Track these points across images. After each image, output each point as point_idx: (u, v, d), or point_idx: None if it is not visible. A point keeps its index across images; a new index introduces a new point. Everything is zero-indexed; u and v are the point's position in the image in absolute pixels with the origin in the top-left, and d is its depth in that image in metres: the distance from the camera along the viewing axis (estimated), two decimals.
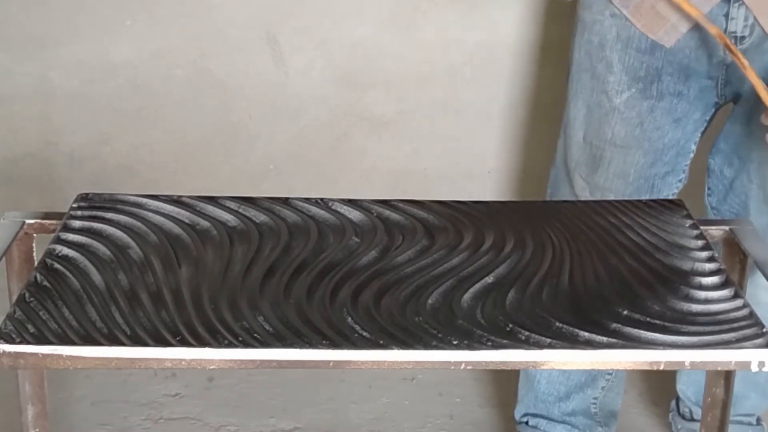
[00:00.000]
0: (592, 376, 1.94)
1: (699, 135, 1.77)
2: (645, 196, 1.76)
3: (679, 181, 1.80)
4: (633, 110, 1.72)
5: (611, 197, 1.75)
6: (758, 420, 2.02)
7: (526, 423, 2.00)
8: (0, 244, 1.30)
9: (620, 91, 1.72)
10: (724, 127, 1.78)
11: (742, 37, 1.63)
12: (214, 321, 1.13)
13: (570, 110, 1.81)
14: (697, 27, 1.63)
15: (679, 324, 1.15)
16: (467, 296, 1.19)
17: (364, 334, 1.11)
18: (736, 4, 1.61)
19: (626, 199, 1.71)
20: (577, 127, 1.79)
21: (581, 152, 1.80)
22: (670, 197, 1.79)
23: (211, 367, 1.09)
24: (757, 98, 1.56)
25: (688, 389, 2.03)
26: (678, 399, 2.08)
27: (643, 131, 1.73)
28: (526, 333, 1.12)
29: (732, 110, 1.76)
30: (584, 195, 1.79)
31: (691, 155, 1.79)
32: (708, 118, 1.76)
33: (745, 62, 1.55)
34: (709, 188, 1.84)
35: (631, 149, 1.75)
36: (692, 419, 2.04)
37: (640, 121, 1.72)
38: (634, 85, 1.70)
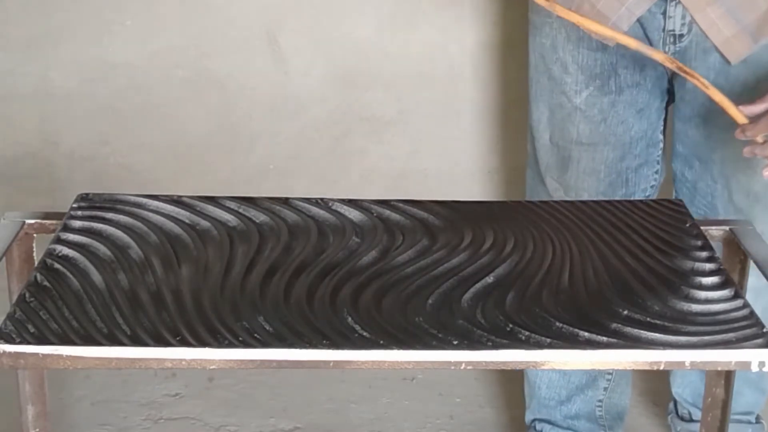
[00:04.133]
0: (592, 377, 1.94)
1: (662, 124, 1.77)
2: (620, 191, 1.77)
3: (656, 172, 1.80)
4: (594, 108, 1.72)
5: (585, 195, 1.76)
6: (757, 418, 2.02)
7: (534, 428, 2.00)
8: (0, 244, 1.30)
9: (579, 91, 1.72)
10: (675, 128, 1.78)
11: (681, 35, 1.63)
12: (214, 321, 1.13)
13: (533, 113, 1.82)
14: (638, 20, 1.63)
15: (679, 324, 1.15)
16: (467, 296, 1.19)
17: (364, 334, 1.11)
18: (673, 2, 1.61)
19: (605, 198, 1.72)
20: (542, 130, 1.80)
21: (549, 154, 1.81)
22: (648, 189, 1.79)
23: (211, 367, 1.09)
24: (710, 98, 1.55)
25: (684, 391, 2.03)
26: (675, 401, 2.08)
27: (608, 127, 1.73)
28: (526, 333, 1.12)
29: (678, 109, 1.75)
30: (558, 196, 1.80)
31: (661, 145, 1.79)
32: (665, 106, 1.76)
33: (705, 81, 1.52)
34: (675, 191, 1.84)
35: (598, 146, 1.75)
36: (691, 420, 2.03)
37: (603, 118, 1.73)
38: (592, 83, 1.70)
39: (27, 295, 1.16)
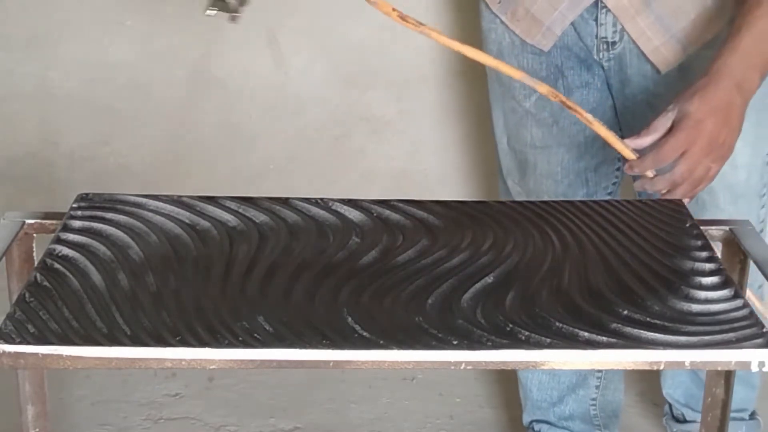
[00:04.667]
0: (582, 376, 1.93)
1: (617, 120, 1.76)
2: (581, 191, 1.77)
3: (617, 169, 1.79)
4: (545, 110, 1.73)
5: (545, 198, 1.76)
6: (752, 414, 2.02)
7: (533, 428, 2.00)
8: (0, 244, 1.30)
9: (527, 95, 1.73)
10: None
11: (614, 42, 1.64)
12: (214, 321, 1.12)
13: (492, 118, 1.83)
14: (572, 23, 1.64)
15: (679, 324, 1.15)
16: (467, 296, 1.19)
17: (364, 334, 1.11)
18: (604, 10, 1.61)
19: (565, 198, 1.72)
20: (500, 135, 1.82)
21: (508, 159, 1.82)
22: (611, 186, 1.80)
23: (211, 367, 1.09)
24: (646, 107, 1.54)
25: (675, 392, 2.02)
26: (670, 403, 2.08)
27: (560, 129, 1.74)
28: (526, 333, 1.12)
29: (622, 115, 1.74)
30: (521, 199, 1.79)
31: None
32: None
33: (589, 117, 1.49)
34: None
35: (552, 148, 1.75)
36: (685, 421, 2.03)
37: (555, 120, 1.73)
38: None
39: (27, 295, 1.16)
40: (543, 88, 1.50)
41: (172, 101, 2.37)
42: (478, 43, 1.78)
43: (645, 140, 1.47)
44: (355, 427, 2.12)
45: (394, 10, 1.49)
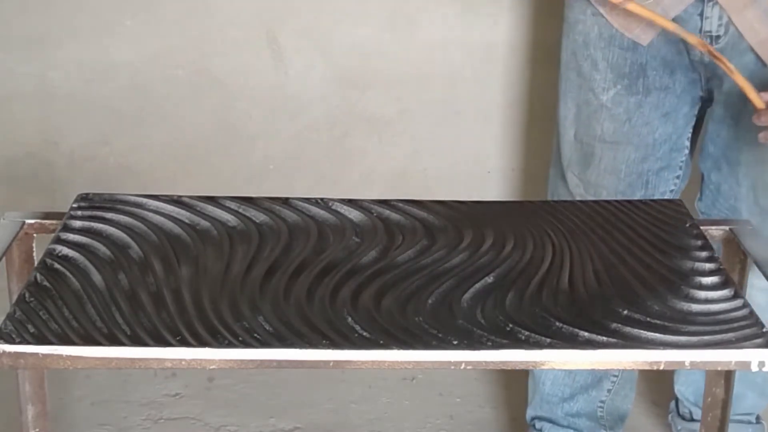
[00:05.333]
0: (598, 378, 1.94)
1: (690, 130, 1.78)
2: (639, 192, 1.77)
3: (677, 177, 1.80)
4: (620, 106, 1.73)
5: (604, 194, 1.76)
6: (758, 418, 2.02)
7: (534, 426, 2.00)
8: (0, 244, 1.30)
9: (606, 88, 1.73)
10: (708, 129, 1.79)
11: (717, 36, 1.64)
12: (214, 321, 1.13)
13: (561, 109, 1.83)
14: (675, 22, 1.63)
15: (679, 324, 1.15)
16: (467, 296, 1.19)
17: (364, 334, 1.11)
18: (710, 3, 1.61)
19: (624, 197, 1.72)
20: (568, 126, 1.81)
21: (573, 150, 1.81)
22: (668, 193, 1.79)
23: (211, 367, 1.09)
24: (744, 99, 1.56)
25: (687, 390, 2.03)
26: (677, 400, 2.08)
27: (632, 127, 1.74)
28: (526, 333, 1.12)
29: (713, 111, 1.76)
30: (578, 192, 1.80)
31: (686, 151, 1.79)
32: (695, 112, 1.77)
33: (731, 66, 1.55)
34: (701, 192, 1.84)
35: (621, 145, 1.75)
36: (692, 420, 2.03)
37: (628, 117, 1.73)
38: (620, 81, 1.71)
39: (27, 295, 1.16)
40: (693, 39, 1.57)
41: (172, 101, 2.37)
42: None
43: None
44: (355, 427, 2.12)
45: None
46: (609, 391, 1.96)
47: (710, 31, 1.64)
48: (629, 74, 1.70)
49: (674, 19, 1.63)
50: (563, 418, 1.97)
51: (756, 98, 1.54)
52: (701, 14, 1.63)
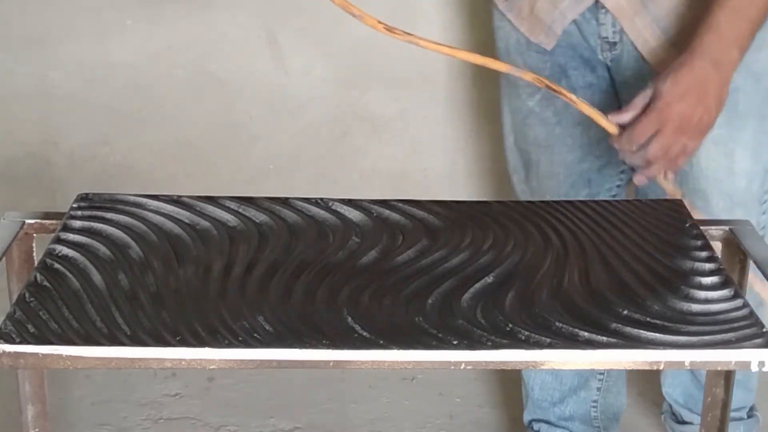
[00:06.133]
0: (584, 378, 1.93)
1: None
2: (583, 192, 1.77)
3: (622, 172, 1.79)
4: (548, 110, 1.73)
5: (548, 198, 1.75)
6: (750, 411, 2.00)
7: (532, 427, 2.00)
8: (0, 244, 1.30)
9: (532, 93, 1.73)
10: None
11: (614, 43, 1.63)
12: (214, 321, 1.12)
13: (501, 117, 1.83)
14: (575, 22, 1.64)
15: (679, 324, 1.15)
16: (467, 296, 1.19)
17: (364, 334, 1.11)
18: (603, 10, 1.61)
19: (567, 199, 1.72)
20: (507, 133, 1.82)
21: (514, 157, 1.82)
22: (615, 189, 1.79)
23: (211, 367, 1.09)
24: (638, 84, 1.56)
25: (674, 391, 2.00)
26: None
27: (564, 128, 1.74)
28: (526, 333, 1.12)
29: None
30: (525, 198, 1.80)
31: None
32: None
33: (573, 97, 1.54)
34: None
35: (555, 148, 1.75)
36: (683, 422, 2.02)
37: (558, 120, 1.73)
38: None
39: (27, 295, 1.16)
40: (528, 76, 1.56)
41: (172, 101, 2.37)
42: (492, 41, 1.79)
43: (625, 116, 1.52)
44: (355, 427, 2.12)
45: (379, 22, 1.52)
46: (599, 390, 1.95)
47: (607, 37, 1.63)
48: (551, 77, 1.67)
49: (576, 23, 1.63)
50: (557, 421, 1.97)
51: (607, 124, 1.53)
52: (597, 20, 1.63)
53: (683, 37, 1.58)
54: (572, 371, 1.90)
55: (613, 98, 1.73)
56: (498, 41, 1.76)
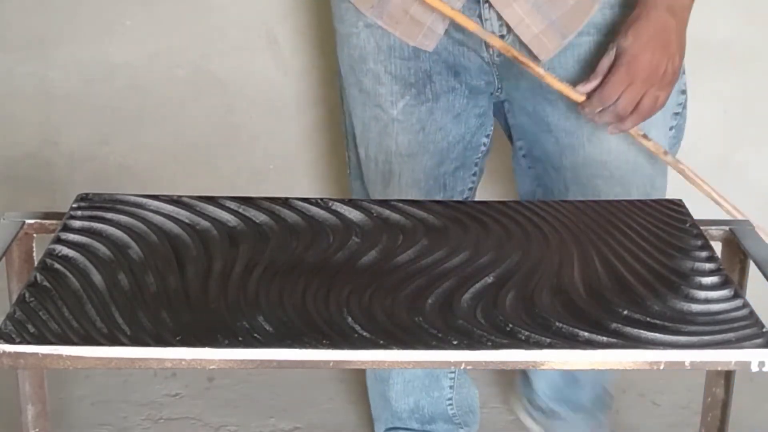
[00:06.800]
0: (435, 377, 1.91)
1: (487, 129, 1.74)
2: (437, 196, 1.72)
3: (473, 174, 1.77)
4: (412, 117, 1.67)
5: None
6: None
7: None
8: (0, 244, 1.30)
9: (394, 102, 1.66)
10: (510, 123, 1.75)
11: (502, 36, 1.58)
12: (214, 321, 1.13)
13: (348, 126, 1.77)
14: (454, 25, 1.58)
15: (679, 324, 1.15)
16: (467, 296, 1.19)
17: (364, 334, 1.11)
18: (486, 5, 1.56)
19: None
20: (359, 144, 1.74)
21: (369, 169, 1.74)
22: (466, 191, 1.77)
23: (211, 367, 1.09)
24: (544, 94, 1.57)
25: (542, 382, 1.97)
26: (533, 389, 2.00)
27: (426, 135, 1.68)
28: (526, 333, 1.12)
29: (512, 108, 1.71)
30: None
31: (483, 148, 1.76)
32: (492, 111, 1.73)
33: (540, 70, 1.54)
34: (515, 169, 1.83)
35: (417, 156, 1.69)
36: (548, 412, 1.99)
37: (422, 126, 1.67)
38: (407, 92, 1.65)
39: (27, 295, 1.16)
40: (497, 42, 1.56)
41: (172, 101, 2.37)
42: (333, 46, 1.74)
43: (592, 83, 1.53)
44: (355, 427, 2.12)
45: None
46: (451, 387, 1.94)
47: (494, 32, 1.58)
48: (416, 83, 1.64)
49: (458, 25, 1.58)
50: (421, 427, 1.95)
51: (573, 94, 1.54)
52: (480, 17, 1.58)
53: (565, 23, 1.57)
54: (423, 371, 1.87)
55: (475, 104, 1.69)
56: (350, 48, 1.67)
